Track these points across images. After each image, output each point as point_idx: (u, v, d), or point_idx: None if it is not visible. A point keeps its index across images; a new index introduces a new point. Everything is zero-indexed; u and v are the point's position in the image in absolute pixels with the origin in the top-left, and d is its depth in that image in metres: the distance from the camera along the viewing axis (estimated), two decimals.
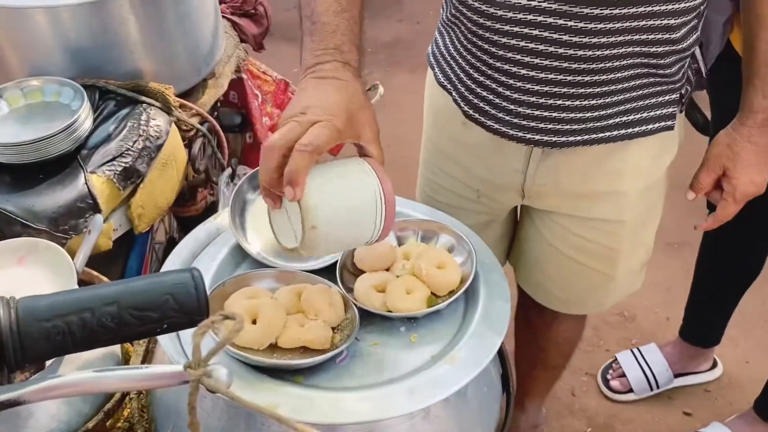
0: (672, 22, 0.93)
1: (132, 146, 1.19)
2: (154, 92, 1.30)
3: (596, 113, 1.00)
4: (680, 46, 0.97)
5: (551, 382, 1.64)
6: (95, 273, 1.05)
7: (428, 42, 1.20)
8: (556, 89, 0.97)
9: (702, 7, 0.98)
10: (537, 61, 0.95)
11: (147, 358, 0.95)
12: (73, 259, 0.97)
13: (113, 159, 1.16)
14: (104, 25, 1.30)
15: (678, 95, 1.06)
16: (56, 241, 1.09)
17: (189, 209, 1.47)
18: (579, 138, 1.02)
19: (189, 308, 0.52)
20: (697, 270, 1.78)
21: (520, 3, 0.92)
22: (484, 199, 1.17)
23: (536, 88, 0.98)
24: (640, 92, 1.01)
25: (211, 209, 1.57)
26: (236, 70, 1.60)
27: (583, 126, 1.01)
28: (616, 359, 1.95)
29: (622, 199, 1.11)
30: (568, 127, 1.01)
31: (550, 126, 1.01)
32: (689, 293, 1.83)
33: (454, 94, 1.09)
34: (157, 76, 1.37)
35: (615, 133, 1.03)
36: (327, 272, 0.94)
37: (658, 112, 1.04)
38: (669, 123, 1.05)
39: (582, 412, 1.90)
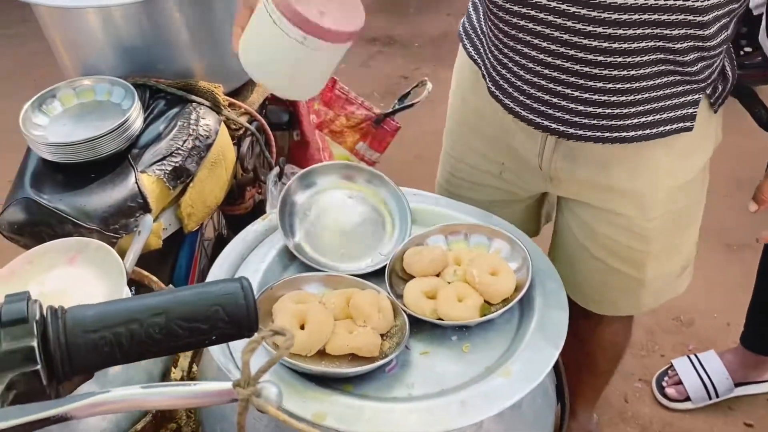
0: (696, 18, 0.87)
1: (182, 145, 1.19)
2: (203, 91, 1.30)
3: (615, 110, 0.95)
4: (706, 44, 0.91)
5: (600, 388, 1.59)
6: (145, 273, 1.05)
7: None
8: (572, 79, 0.93)
9: (735, 5, 0.91)
10: (553, 47, 0.91)
11: (195, 357, 0.94)
12: (123, 258, 0.97)
13: (163, 158, 1.16)
14: (154, 24, 1.30)
15: (702, 95, 0.99)
16: (106, 240, 1.10)
17: (237, 208, 1.47)
18: (591, 134, 0.98)
19: (238, 319, 0.50)
20: (759, 274, 1.69)
21: None
22: (508, 175, 1.14)
23: (551, 74, 0.94)
24: (664, 92, 0.95)
25: (259, 208, 1.56)
26: None
27: (598, 122, 0.96)
28: (672, 366, 1.88)
29: (643, 199, 1.05)
30: (581, 120, 0.97)
31: (561, 115, 0.97)
32: (751, 298, 1.74)
33: (482, 68, 1.08)
34: (207, 74, 1.37)
35: (632, 134, 0.97)
36: (375, 277, 0.92)
37: (678, 113, 0.98)
38: (687, 124, 0.98)
39: (635, 420, 1.83)
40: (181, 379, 0.90)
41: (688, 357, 1.88)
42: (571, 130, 0.98)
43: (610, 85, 0.93)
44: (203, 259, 1.53)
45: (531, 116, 1.00)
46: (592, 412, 1.71)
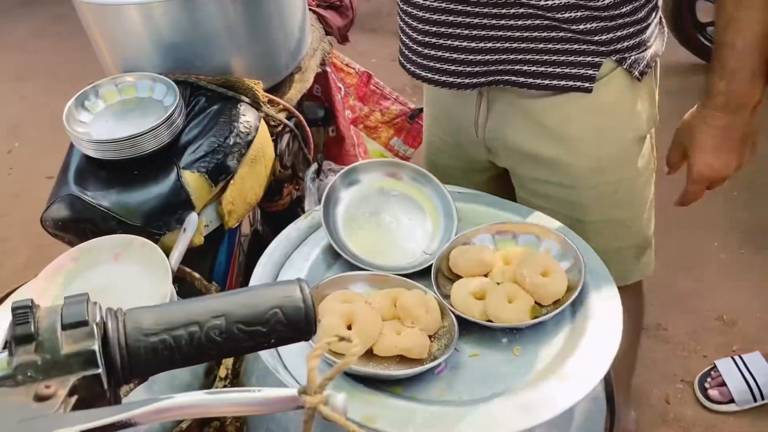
0: None
1: (223, 142, 1.18)
2: (243, 88, 1.29)
3: (499, 56, 1.02)
4: (590, 3, 0.97)
5: (624, 373, 1.56)
6: (188, 269, 1.05)
7: None
8: (458, 30, 1.02)
9: None
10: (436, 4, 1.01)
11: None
12: (167, 255, 0.96)
13: (205, 155, 1.16)
14: (195, 20, 1.30)
15: (605, 59, 1.02)
16: (150, 237, 1.10)
17: (275, 204, 1.47)
18: (484, 80, 1.05)
19: (297, 322, 0.49)
20: None
21: None
22: (463, 146, 1.20)
23: (440, 30, 1.03)
24: (546, 45, 1.01)
25: (296, 204, 1.56)
26: (321, 63, 1.58)
27: (487, 68, 1.03)
28: (715, 367, 1.83)
29: (569, 168, 1.10)
30: (472, 69, 1.04)
31: (455, 68, 1.05)
32: None
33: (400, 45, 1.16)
34: (247, 71, 1.36)
35: (522, 80, 1.04)
36: (420, 276, 0.91)
37: (572, 71, 1.03)
38: (585, 85, 1.03)
39: (677, 422, 1.79)
40: (226, 377, 0.89)
41: (732, 358, 1.83)
42: (467, 80, 1.05)
43: (492, 33, 1.01)
44: (240, 254, 1.53)
45: (429, 74, 1.08)
46: (629, 408, 1.68)
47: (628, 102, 1.08)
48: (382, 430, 0.70)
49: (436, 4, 1.01)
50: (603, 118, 1.08)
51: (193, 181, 1.13)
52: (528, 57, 1.02)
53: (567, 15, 0.97)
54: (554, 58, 1.02)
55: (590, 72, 1.02)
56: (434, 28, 1.04)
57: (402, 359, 0.79)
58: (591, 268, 0.87)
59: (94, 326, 0.45)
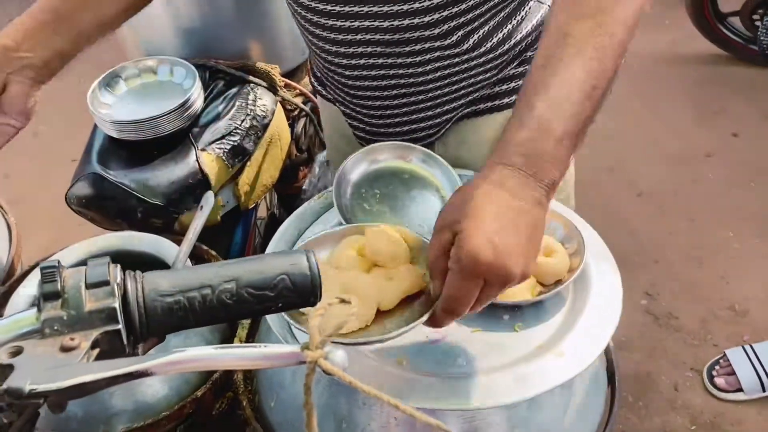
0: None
1: (240, 125, 1.22)
2: (260, 72, 1.33)
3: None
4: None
5: None
6: (205, 247, 1.09)
7: None
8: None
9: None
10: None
11: (252, 329, 0.98)
12: (185, 233, 1.00)
13: (222, 137, 1.19)
14: (215, 6, 1.34)
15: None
16: (168, 215, 1.14)
17: (291, 187, 1.50)
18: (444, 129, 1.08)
19: (303, 289, 0.53)
20: None
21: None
22: None
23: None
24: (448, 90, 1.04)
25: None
26: None
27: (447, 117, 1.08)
28: (724, 355, 1.85)
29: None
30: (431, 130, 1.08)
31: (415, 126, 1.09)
32: None
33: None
34: (263, 56, 1.40)
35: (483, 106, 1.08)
36: None
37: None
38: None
39: (685, 409, 1.81)
40: None
41: (743, 347, 1.84)
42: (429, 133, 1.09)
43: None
44: (257, 237, 1.57)
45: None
46: None
47: None
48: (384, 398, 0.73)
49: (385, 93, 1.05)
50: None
51: (210, 162, 1.17)
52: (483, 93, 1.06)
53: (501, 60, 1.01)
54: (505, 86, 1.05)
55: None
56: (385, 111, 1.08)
57: (404, 302, 0.75)
58: (595, 252, 0.90)
59: (115, 286, 0.49)
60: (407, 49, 1.00)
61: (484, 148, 1.10)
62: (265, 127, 1.27)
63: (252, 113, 1.25)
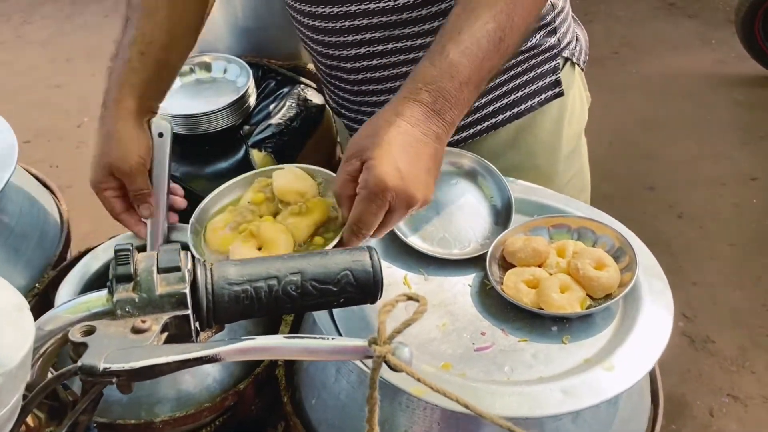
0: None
1: (290, 124, 1.23)
2: (310, 73, 1.34)
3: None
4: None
5: None
6: None
7: None
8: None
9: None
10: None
11: (296, 324, 0.98)
12: None
13: (272, 135, 1.21)
14: (269, 7, 1.35)
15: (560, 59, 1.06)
16: None
17: None
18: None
19: (365, 285, 0.53)
20: None
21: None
22: None
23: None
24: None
25: None
26: None
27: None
28: None
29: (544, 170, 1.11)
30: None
31: None
32: None
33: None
34: None
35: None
36: (475, 263, 0.93)
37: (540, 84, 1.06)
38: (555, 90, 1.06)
39: None
40: None
41: None
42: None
43: None
44: None
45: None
46: None
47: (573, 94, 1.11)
48: (432, 401, 0.73)
49: None
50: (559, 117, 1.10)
51: (260, 159, 1.18)
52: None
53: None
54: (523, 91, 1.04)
55: (554, 77, 1.04)
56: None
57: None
58: (645, 266, 0.89)
59: (186, 272, 0.49)
60: (406, 30, 0.98)
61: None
62: (314, 127, 1.28)
63: (302, 113, 1.26)
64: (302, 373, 0.93)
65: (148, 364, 0.43)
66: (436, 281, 0.93)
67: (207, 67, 1.31)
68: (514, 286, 0.87)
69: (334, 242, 0.76)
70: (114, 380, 0.44)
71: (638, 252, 0.88)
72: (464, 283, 0.92)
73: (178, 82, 1.30)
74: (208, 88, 1.28)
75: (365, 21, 0.98)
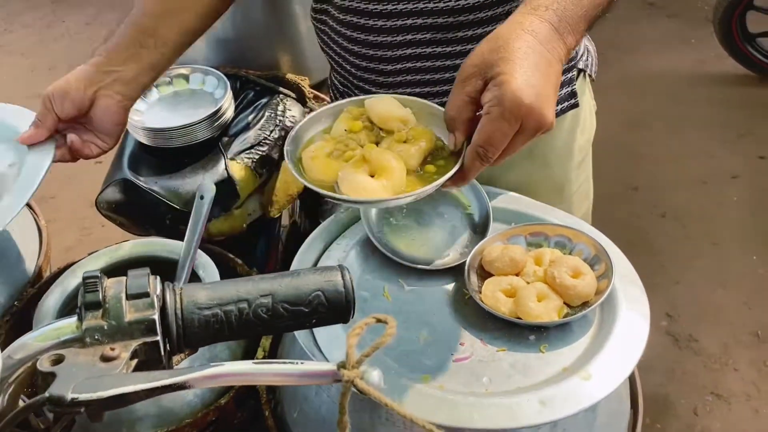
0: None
1: (269, 135, 1.23)
2: (290, 83, 1.34)
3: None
4: None
5: None
6: (230, 255, 1.10)
7: None
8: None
9: None
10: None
11: (276, 338, 0.98)
12: (214, 241, 1.01)
13: (251, 147, 1.21)
14: (247, 17, 1.35)
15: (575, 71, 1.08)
16: None
17: (317, 197, 1.51)
18: None
19: (337, 306, 0.53)
20: None
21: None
22: None
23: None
24: None
25: None
26: None
27: None
28: None
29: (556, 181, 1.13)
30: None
31: None
32: None
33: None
34: (293, 67, 1.41)
35: None
36: (454, 272, 0.94)
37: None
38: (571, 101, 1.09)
39: None
40: (263, 359, 0.94)
41: None
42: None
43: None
44: (279, 245, 1.58)
45: None
46: None
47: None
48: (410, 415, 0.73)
49: None
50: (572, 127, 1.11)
51: (239, 171, 1.18)
52: None
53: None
54: None
55: (570, 88, 1.05)
56: None
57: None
58: (622, 273, 0.89)
59: (155, 298, 0.49)
60: (459, 34, 0.96)
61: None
62: None
63: (281, 124, 1.26)
64: (284, 387, 0.93)
65: (117, 393, 0.43)
66: (416, 292, 0.93)
67: (185, 78, 1.31)
68: (492, 295, 0.88)
69: (453, 171, 0.72)
70: (82, 410, 0.44)
71: (614, 259, 0.89)
72: (443, 293, 0.92)
73: (155, 94, 1.29)
74: (186, 100, 1.28)
75: (420, 20, 0.97)
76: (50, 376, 0.45)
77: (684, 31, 3.56)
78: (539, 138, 1.03)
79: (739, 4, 2.91)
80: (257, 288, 0.52)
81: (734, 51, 3.05)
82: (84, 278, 0.48)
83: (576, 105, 1.08)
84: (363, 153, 0.77)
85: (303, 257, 0.96)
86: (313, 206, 1.59)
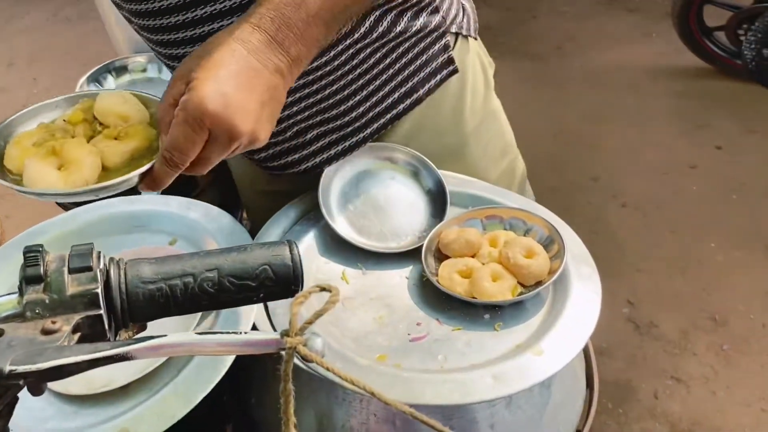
0: None
1: None
2: None
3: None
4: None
5: None
6: None
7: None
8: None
9: None
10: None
11: None
12: None
13: None
14: None
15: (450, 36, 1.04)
16: None
17: None
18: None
19: (285, 279, 0.53)
20: None
21: None
22: None
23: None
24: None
25: None
26: None
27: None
28: None
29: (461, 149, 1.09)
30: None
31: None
32: None
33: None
34: None
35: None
36: (412, 255, 0.94)
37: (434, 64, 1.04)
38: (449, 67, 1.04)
39: (664, 417, 1.83)
40: None
41: None
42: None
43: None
44: None
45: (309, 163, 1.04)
46: None
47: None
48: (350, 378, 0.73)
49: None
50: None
51: None
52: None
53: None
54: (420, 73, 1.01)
55: (446, 56, 1.02)
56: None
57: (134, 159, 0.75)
58: (574, 253, 0.91)
59: (98, 272, 0.49)
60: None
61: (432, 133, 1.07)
62: None
63: None
64: (242, 371, 0.93)
65: (57, 365, 0.43)
66: (374, 275, 0.94)
67: (142, 67, 1.29)
68: (449, 276, 0.89)
69: (143, 169, 0.69)
70: (21, 382, 0.43)
71: (567, 239, 0.90)
72: (401, 276, 0.93)
73: (112, 82, 1.28)
74: (142, 88, 1.26)
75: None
76: None
77: (644, 25, 3.63)
78: (423, 112, 1.03)
79: (695, 0, 2.98)
80: (203, 262, 0.52)
81: (693, 45, 3.11)
82: (25, 252, 0.48)
83: (455, 71, 1.04)
84: (53, 144, 0.74)
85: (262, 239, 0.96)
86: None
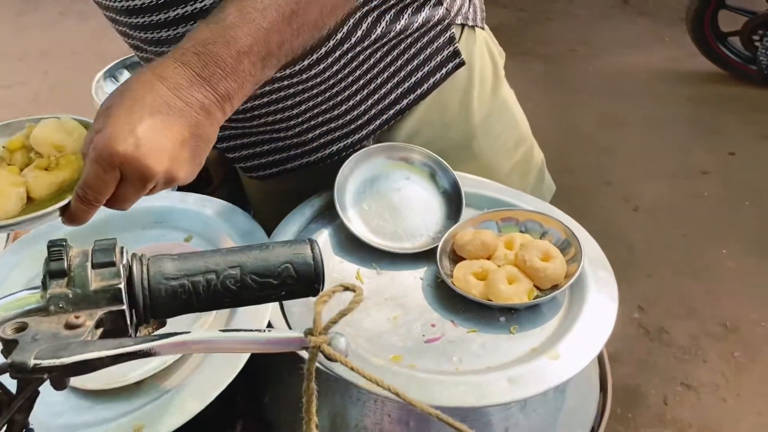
0: None
1: None
2: None
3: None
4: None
5: None
6: None
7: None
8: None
9: None
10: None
11: None
12: None
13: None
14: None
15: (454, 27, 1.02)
16: None
17: None
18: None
19: (306, 278, 0.53)
20: None
21: None
22: None
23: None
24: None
25: None
26: None
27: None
28: None
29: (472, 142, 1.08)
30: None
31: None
32: None
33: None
34: None
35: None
36: (427, 256, 0.94)
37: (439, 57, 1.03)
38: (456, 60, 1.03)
39: (674, 423, 1.82)
40: None
41: None
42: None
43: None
44: None
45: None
46: None
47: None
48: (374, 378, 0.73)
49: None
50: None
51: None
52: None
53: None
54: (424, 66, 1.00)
55: (452, 48, 1.00)
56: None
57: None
58: (591, 257, 0.90)
59: (121, 267, 0.49)
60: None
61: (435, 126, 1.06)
62: None
63: None
64: (256, 370, 0.93)
65: (81, 359, 0.43)
66: (389, 275, 0.93)
67: (128, 69, 1.30)
68: (464, 278, 0.88)
69: (62, 203, 0.66)
70: (45, 376, 0.43)
71: (584, 243, 0.90)
72: (416, 277, 0.93)
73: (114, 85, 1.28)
74: None
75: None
76: (12, 344, 0.44)
77: (658, 29, 3.62)
78: (429, 106, 1.03)
79: (709, 5, 2.96)
80: (226, 260, 0.52)
81: (707, 49, 3.10)
82: (49, 246, 0.48)
83: (462, 63, 1.03)
84: None
85: (277, 239, 0.96)
86: None
